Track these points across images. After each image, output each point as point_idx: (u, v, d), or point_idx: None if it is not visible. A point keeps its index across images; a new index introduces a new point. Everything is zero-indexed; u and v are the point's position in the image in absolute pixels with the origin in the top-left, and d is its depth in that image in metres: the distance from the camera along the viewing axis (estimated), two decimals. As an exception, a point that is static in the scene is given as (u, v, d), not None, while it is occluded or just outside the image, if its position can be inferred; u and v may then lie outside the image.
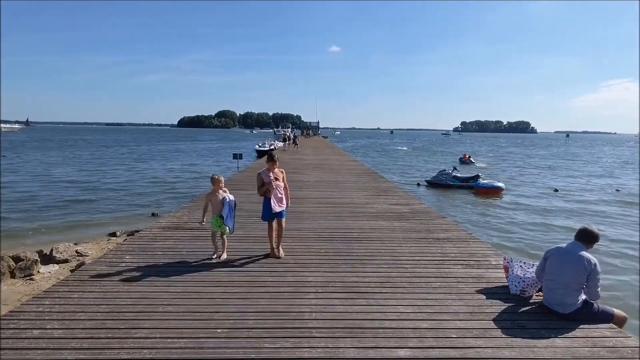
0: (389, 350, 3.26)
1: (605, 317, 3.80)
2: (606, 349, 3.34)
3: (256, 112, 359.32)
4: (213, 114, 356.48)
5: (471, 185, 19.99)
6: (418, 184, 21.73)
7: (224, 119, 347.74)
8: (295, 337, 3.43)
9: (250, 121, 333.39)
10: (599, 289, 3.80)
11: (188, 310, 3.90)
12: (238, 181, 13.40)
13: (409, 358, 3.16)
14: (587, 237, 3.91)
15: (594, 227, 4.00)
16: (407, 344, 3.36)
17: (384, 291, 4.45)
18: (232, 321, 3.69)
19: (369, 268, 5.18)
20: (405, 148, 66.54)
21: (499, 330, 3.63)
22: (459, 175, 21.16)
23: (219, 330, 3.52)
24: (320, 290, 4.44)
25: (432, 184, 21.04)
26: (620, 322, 3.83)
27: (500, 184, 19.29)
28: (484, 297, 4.36)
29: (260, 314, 3.86)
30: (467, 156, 36.78)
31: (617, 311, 3.89)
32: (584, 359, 3.22)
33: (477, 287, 4.62)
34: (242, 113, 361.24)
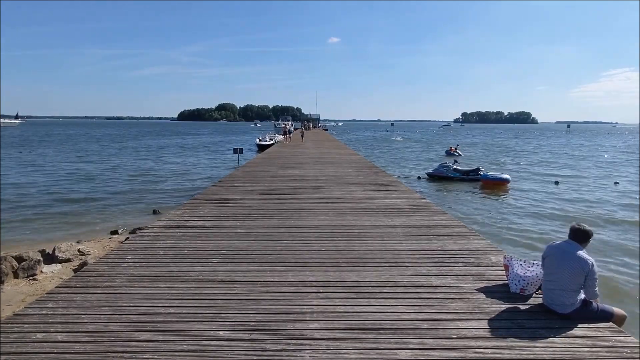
0: (390, 351, 3.28)
1: (605, 316, 3.82)
2: (606, 349, 3.37)
3: (257, 105, 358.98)
4: (213, 107, 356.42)
5: (472, 178, 20.02)
6: (419, 177, 21.75)
7: (224, 112, 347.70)
8: (297, 339, 3.46)
9: (251, 114, 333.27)
10: (596, 289, 3.82)
11: (190, 312, 3.93)
12: (238, 177, 13.41)
13: (410, 359, 3.19)
14: (581, 236, 3.91)
15: (586, 225, 4.00)
16: (408, 345, 3.38)
17: (384, 290, 4.47)
18: (233, 323, 3.72)
19: (370, 267, 5.20)
20: (400, 138, 66.68)
21: (499, 330, 3.65)
22: (459, 168, 21.17)
23: (221, 333, 3.55)
24: (321, 290, 4.46)
25: (433, 176, 21.05)
26: (619, 320, 3.84)
27: (506, 176, 19.28)
28: (484, 295, 4.38)
29: (261, 315, 3.88)
30: (453, 148, 36.60)
31: (616, 310, 3.91)
32: (584, 358, 3.24)
33: (477, 286, 4.63)
34: (242, 106, 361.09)
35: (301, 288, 4.51)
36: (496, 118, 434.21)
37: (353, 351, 3.28)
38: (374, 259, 5.49)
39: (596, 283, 3.81)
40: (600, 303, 3.93)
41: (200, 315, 3.86)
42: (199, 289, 4.47)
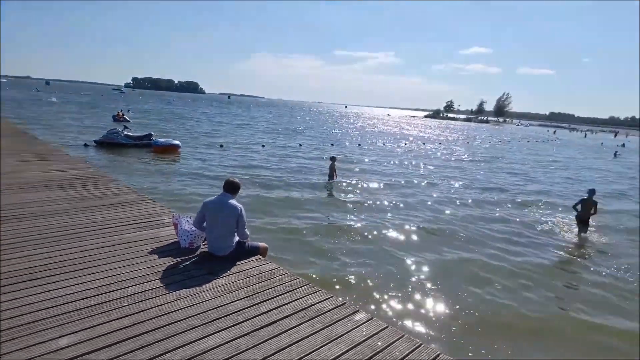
0: (48, 343, 2.88)
1: (254, 251, 4.72)
2: (255, 277, 4.20)
3: None
4: None
5: (145, 143, 19.69)
6: (85, 145, 19.44)
7: None
8: None
9: None
10: (246, 230, 4.62)
11: None
12: None
13: (73, 344, 2.89)
14: (232, 188, 4.62)
15: (236, 179, 4.72)
16: (74, 328, 3.06)
17: (51, 274, 3.86)
18: None
19: (29, 251, 4.33)
20: (56, 100, 57.59)
21: (172, 284, 3.88)
22: (131, 134, 20.30)
23: None
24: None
25: (102, 143, 19.32)
26: (264, 252, 4.85)
27: (176, 142, 19.81)
28: (157, 256, 4.50)
29: None
30: (121, 114, 35.03)
31: (261, 244, 4.89)
32: (240, 288, 3.91)
33: (151, 248, 4.70)
34: None
35: None
36: (167, 86, 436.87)
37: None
38: (35, 242, 4.60)
39: (245, 225, 4.59)
40: (250, 242, 4.79)
41: None
42: None
